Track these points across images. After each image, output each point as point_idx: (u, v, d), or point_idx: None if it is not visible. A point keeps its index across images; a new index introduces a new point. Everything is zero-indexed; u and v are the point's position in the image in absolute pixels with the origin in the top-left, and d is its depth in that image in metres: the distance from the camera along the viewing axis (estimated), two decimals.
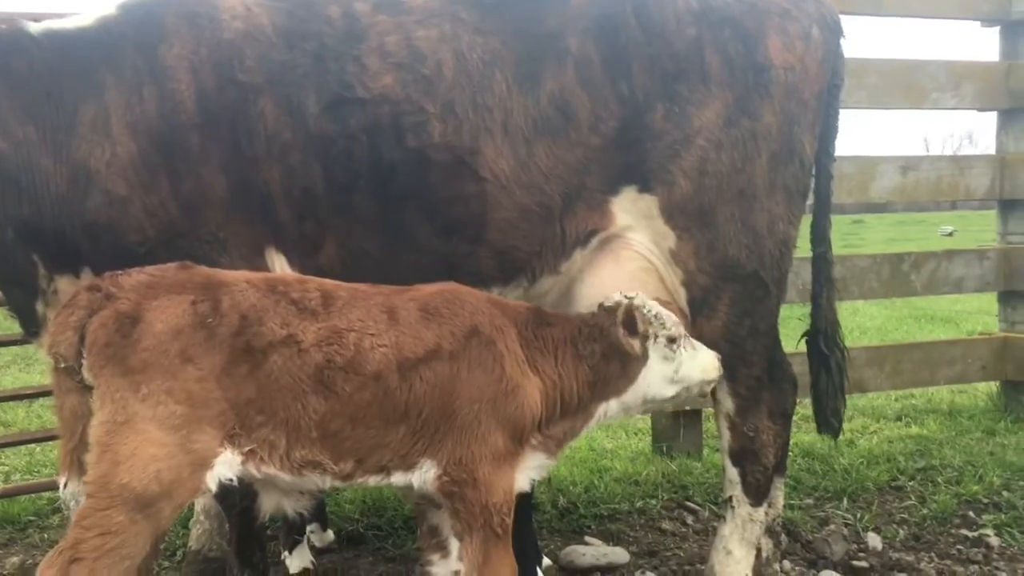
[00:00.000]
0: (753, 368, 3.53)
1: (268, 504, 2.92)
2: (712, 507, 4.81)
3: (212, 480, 2.62)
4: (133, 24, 3.25)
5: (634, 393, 3.12)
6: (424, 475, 2.85)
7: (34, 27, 3.25)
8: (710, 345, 3.37)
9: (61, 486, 2.64)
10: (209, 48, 3.19)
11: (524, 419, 2.91)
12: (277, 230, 3.26)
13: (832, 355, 3.79)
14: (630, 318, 3.05)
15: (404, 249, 3.28)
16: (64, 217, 3.17)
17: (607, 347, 3.06)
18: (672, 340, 3.09)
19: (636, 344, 3.05)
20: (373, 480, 2.87)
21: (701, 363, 3.17)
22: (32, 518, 4.72)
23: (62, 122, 3.16)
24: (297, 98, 3.18)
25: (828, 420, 3.86)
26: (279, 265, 3.29)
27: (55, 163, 3.15)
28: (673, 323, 3.11)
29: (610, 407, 3.13)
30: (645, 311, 3.08)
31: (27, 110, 3.14)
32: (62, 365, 2.61)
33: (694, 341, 3.20)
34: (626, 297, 3.11)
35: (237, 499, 3.22)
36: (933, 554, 4.34)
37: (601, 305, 3.16)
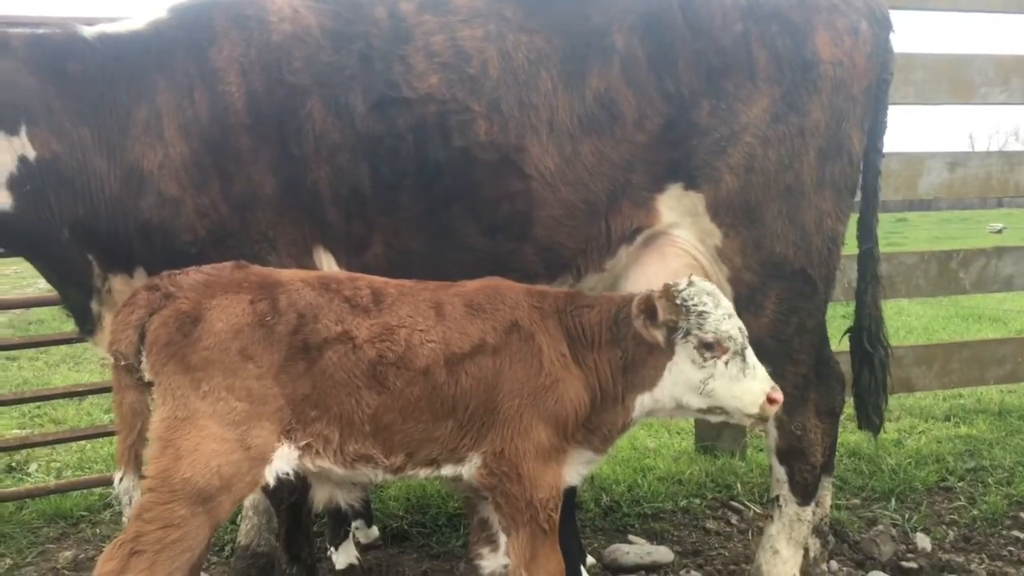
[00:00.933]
0: (800, 366, 3.50)
1: (321, 496, 2.96)
2: (757, 506, 4.78)
3: (270, 474, 2.67)
4: (184, 27, 3.30)
5: (662, 390, 2.97)
6: (471, 468, 2.88)
7: (88, 31, 3.31)
8: (755, 343, 3.33)
9: (116, 480, 2.68)
10: (258, 50, 3.24)
11: (566, 413, 2.91)
12: (325, 229, 3.29)
13: (875, 352, 3.76)
14: (648, 304, 2.89)
15: (450, 247, 3.30)
16: (118, 217, 3.22)
17: (637, 332, 2.94)
18: (705, 345, 2.87)
19: (657, 334, 2.90)
20: (423, 473, 2.90)
21: (741, 389, 2.89)
22: (84, 513, 4.81)
23: (116, 124, 3.21)
24: (344, 99, 3.21)
25: (869, 417, 3.82)
26: (327, 264, 3.33)
27: (109, 164, 3.20)
28: (715, 328, 2.87)
29: (644, 401, 3.00)
30: (682, 301, 2.89)
31: (82, 113, 3.19)
32: (122, 363, 2.66)
33: (753, 363, 2.92)
34: (688, 281, 2.95)
35: (286, 494, 3.27)
36: (984, 555, 4.29)
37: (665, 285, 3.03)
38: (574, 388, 2.93)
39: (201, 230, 3.22)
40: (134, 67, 3.25)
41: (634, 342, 2.97)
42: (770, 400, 2.89)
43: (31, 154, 3.09)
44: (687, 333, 2.88)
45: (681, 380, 2.93)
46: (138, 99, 3.22)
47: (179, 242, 3.22)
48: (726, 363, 2.88)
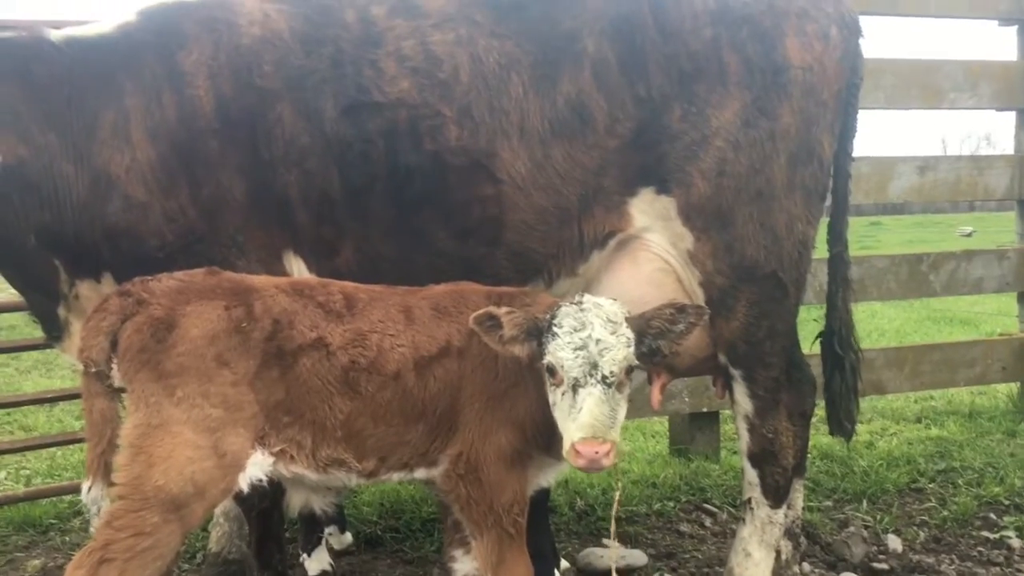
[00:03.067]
0: (771, 369, 3.50)
1: (296, 502, 2.95)
2: (730, 509, 4.80)
3: (244, 481, 2.66)
4: (152, 31, 3.28)
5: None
6: (440, 471, 2.88)
7: (55, 35, 3.29)
8: (727, 346, 3.34)
9: (84, 489, 2.65)
10: (227, 54, 3.22)
11: (523, 416, 2.88)
12: (295, 233, 3.28)
13: (847, 356, 3.77)
14: (487, 317, 2.68)
15: (421, 252, 3.29)
16: (85, 222, 3.20)
17: None
18: (547, 368, 2.66)
19: (512, 349, 2.70)
20: (396, 477, 2.90)
21: (562, 427, 2.64)
22: (53, 521, 4.75)
23: (83, 128, 3.19)
24: (315, 103, 3.19)
25: (841, 423, 3.82)
26: (298, 268, 3.32)
27: (76, 169, 3.18)
28: (554, 352, 2.62)
29: None
30: (549, 318, 2.68)
31: (48, 117, 3.17)
32: (92, 370, 2.63)
33: (580, 405, 2.58)
34: (577, 298, 2.74)
35: (256, 501, 3.24)
36: (954, 556, 4.33)
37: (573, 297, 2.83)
38: (532, 391, 2.84)
39: (169, 235, 3.20)
40: (102, 70, 3.23)
41: None
42: (576, 451, 2.55)
43: None
44: (544, 352, 2.67)
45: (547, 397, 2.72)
46: (106, 103, 3.20)
47: (146, 247, 3.20)
48: (562, 394, 2.64)
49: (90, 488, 2.64)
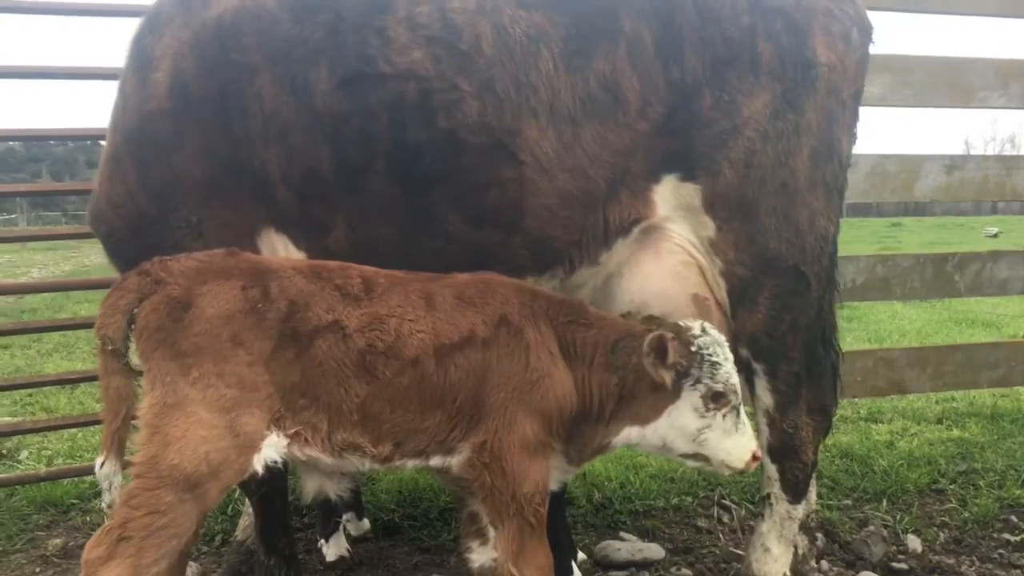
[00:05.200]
0: (793, 364, 3.47)
1: (311, 487, 2.94)
2: (747, 505, 4.78)
3: (259, 462, 2.65)
4: (140, 23, 3.30)
5: (655, 429, 2.95)
6: (460, 460, 2.87)
7: None
8: (750, 339, 3.32)
9: (98, 465, 2.66)
10: (194, 31, 3.14)
11: (552, 408, 2.88)
12: (276, 211, 3.18)
13: (827, 357, 3.68)
14: (660, 343, 2.84)
15: (427, 236, 3.15)
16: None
17: (641, 367, 2.90)
18: (714, 396, 2.87)
19: (666, 375, 2.86)
20: (412, 464, 2.88)
21: (733, 445, 2.93)
22: (75, 501, 4.81)
23: None
24: (303, 75, 3.06)
25: None
26: (281, 247, 3.24)
27: None
28: (725, 380, 2.87)
29: (631, 433, 2.98)
30: (697, 348, 2.88)
31: None
32: (109, 347, 2.64)
33: (744, 420, 2.95)
34: (701, 328, 2.94)
35: (254, 486, 3.22)
36: (974, 558, 4.29)
37: (653, 318, 3.09)
38: (561, 385, 2.90)
39: (116, 221, 3.22)
40: None
41: (635, 375, 2.93)
42: (754, 457, 2.96)
43: None
44: (697, 381, 2.88)
45: (678, 424, 2.92)
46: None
47: (98, 232, 3.28)
48: (724, 416, 2.90)
49: (103, 464, 2.65)
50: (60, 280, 9.35)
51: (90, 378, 5.25)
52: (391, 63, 3.04)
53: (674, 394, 2.90)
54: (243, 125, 3.10)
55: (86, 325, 5.33)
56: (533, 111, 3.07)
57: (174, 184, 3.16)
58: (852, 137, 3.52)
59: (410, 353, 2.77)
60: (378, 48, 3.05)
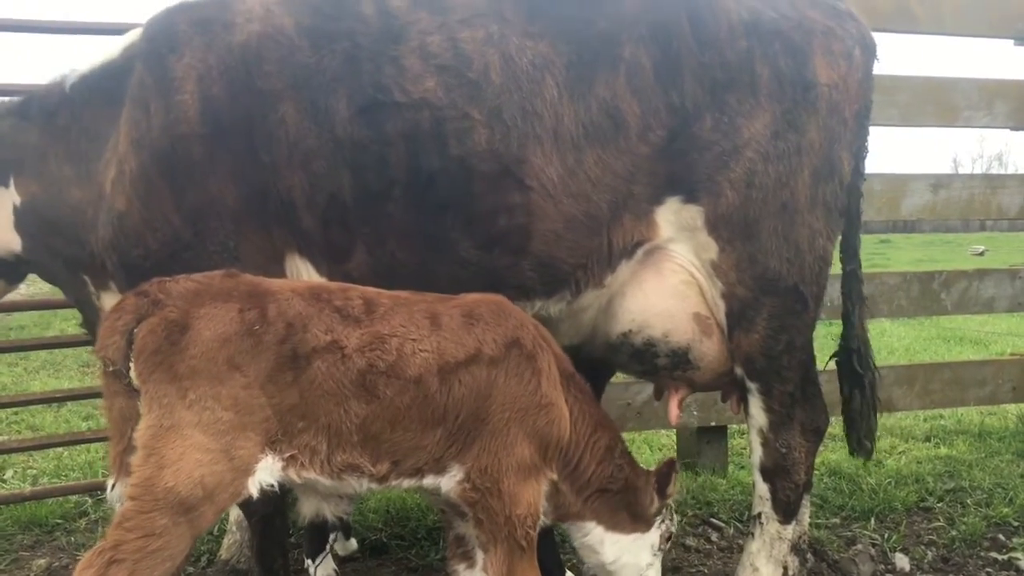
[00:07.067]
0: (788, 384, 3.48)
1: (308, 510, 2.92)
2: (737, 524, 4.78)
3: (253, 485, 2.63)
4: (148, 38, 3.28)
5: (615, 543, 3.20)
6: (451, 480, 2.86)
7: (69, 78, 3.44)
8: (745, 358, 3.40)
9: (109, 488, 2.64)
10: (218, 54, 3.15)
11: (552, 436, 2.91)
12: (301, 237, 3.21)
13: (865, 375, 3.74)
14: (671, 471, 3.20)
15: (441, 260, 3.20)
16: (95, 240, 3.31)
17: (635, 483, 3.18)
18: (666, 537, 3.24)
19: (651, 508, 3.20)
20: (407, 483, 2.87)
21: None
22: (59, 521, 4.76)
23: (94, 155, 3.33)
24: (324, 102, 3.10)
25: (861, 441, 3.79)
26: (305, 271, 3.27)
27: (84, 192, 3.36)
28: (675, 526, 3.27)
29: (593, 531, 3.18)
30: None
31: (68, 154, 3.40)
32: (110, 368, 2.62)
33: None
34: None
35: (258, 507, 3.20)
36: None
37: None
38: (565, 417, 2.96)
39: (152, 243, 3.19)
40: (107, 96, 3.35)
41: (624, 487, 3.17)
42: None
43: (17, 200, 3.46)
44: (663, 520, 3.25)
45: (634, 550, 3.22)
46: (111, 125, 3.28)
47: (130, 257, 3.21)
48: (655, 556, 3.27)
49: (113, 486, 2.64)
50: (48, 298, 9.32)
51: (77, 397, 5.23)
52: (406, 92, 3.09)
53: (647, 524, 3.21)
54: (269, 151, 3.13)
55: (73, 343, 5.31)
56: (538, 138, 3.11)
57: (209, 208, 3.16)
58: (863, 153, 3.57)
59: (412, 372, 2.75)
60: (393, 77, 3.10)
